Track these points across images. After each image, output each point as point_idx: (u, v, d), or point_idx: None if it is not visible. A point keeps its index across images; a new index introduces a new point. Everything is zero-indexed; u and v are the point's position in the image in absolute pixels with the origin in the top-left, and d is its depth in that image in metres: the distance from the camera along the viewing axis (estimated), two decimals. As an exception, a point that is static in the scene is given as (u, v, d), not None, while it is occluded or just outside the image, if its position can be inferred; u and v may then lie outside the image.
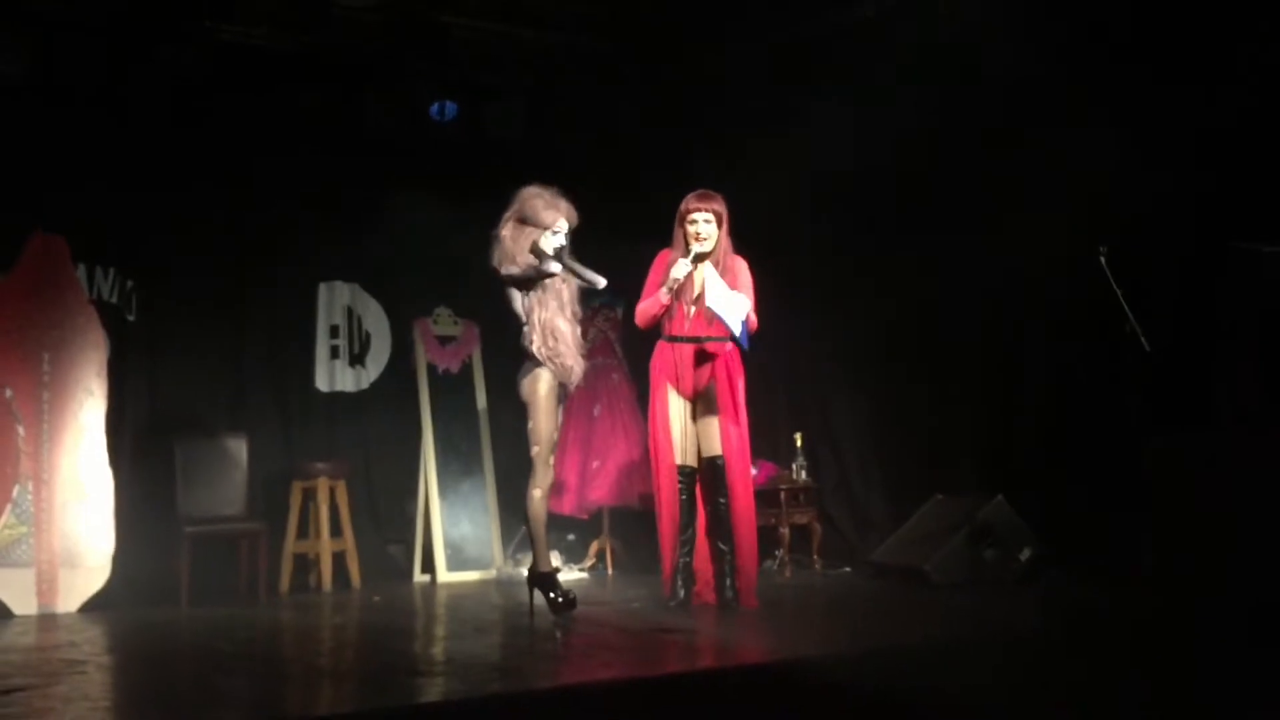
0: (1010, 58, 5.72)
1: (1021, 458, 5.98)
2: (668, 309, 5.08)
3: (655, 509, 5.22)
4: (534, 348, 4.72)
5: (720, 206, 5.03)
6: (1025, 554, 5.61)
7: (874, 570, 6.11)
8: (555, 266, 4.74)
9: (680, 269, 4.93)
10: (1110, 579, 5.14)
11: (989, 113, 6.02)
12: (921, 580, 5.52)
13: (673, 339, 5.11)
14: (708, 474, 5.09)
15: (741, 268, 5.10)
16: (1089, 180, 5.48)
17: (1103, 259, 5.00)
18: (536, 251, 4.74)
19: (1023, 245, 5.81)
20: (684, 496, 5.14)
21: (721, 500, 5.05)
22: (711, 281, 4.92)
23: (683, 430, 5.11)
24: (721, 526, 5.09)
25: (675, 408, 5.13)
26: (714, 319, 4.96)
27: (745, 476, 5.08)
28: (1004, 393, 6.15)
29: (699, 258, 4.95)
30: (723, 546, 5.08)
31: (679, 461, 5.11)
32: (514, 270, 4.76)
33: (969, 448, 6.33)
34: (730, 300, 4.90)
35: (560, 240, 4.78)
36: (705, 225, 4.98)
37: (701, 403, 5.11)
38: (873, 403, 6.83)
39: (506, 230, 4.77)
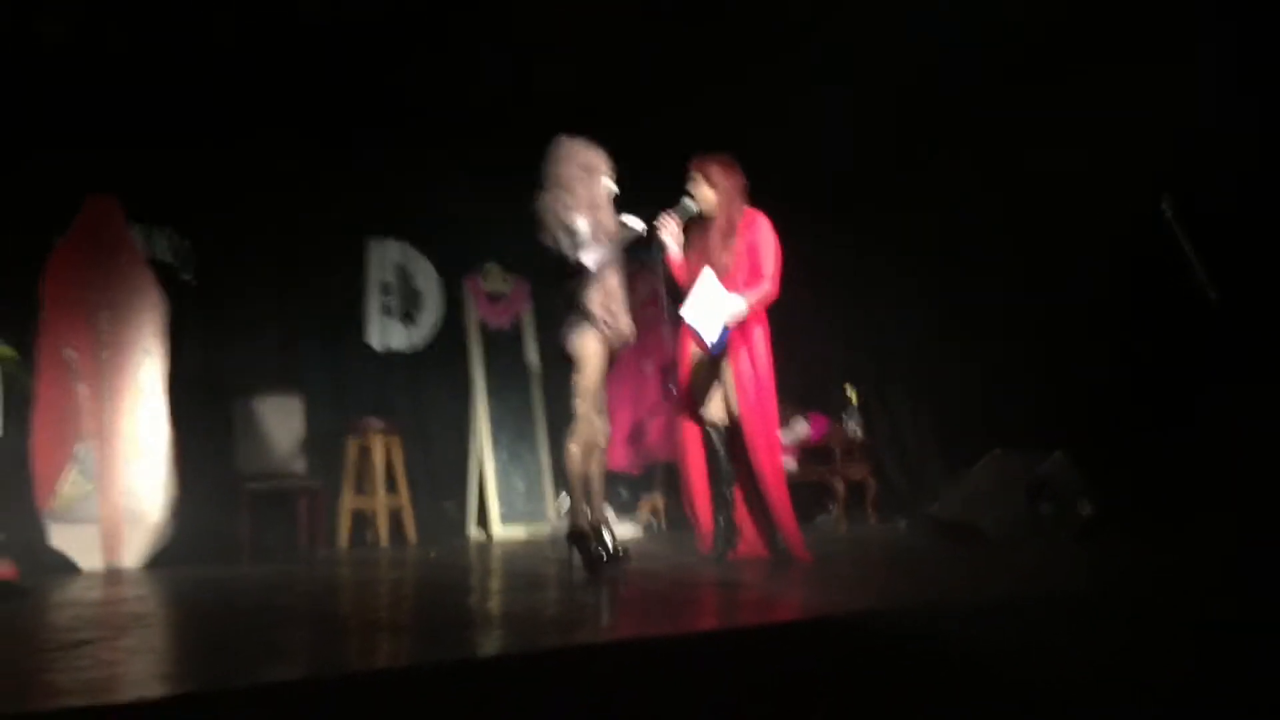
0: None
1: (1082, 412, 5.88)
2: (691, 268, 5.12)
3: (681, 465, 5.25)
4: (595, 308, 4.69)
5: (715, 171, 5.05)
6: (1084, 510, 5.53)
7: (930, 525, 6.05)
8: (641, 226, 4.75)
9: (664, 222, 5.04)
10: (1169, 537, 5.06)
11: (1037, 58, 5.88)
12: (978, 536, 5.46)
13: None
14: (735, 429, 5.09)
15: (757, 224, 5.07)
16: (1150, 130, 5.34)
17: (1167, 212, 4.88)
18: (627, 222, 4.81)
19: (1084, 198, 5.68)
20: (713, 451, 5.15)
21: (746, 455, 5.06)
22: (700, 288, 4.91)
23: (710, 386, 5.13)
24: (752, 482, 5.10)
25: (698, 364, 5.16)
26: (726, 274, 4.98)
27: (765, 432, 5.04)
28: (1064, 345, 6.05)
29: (693, 217, 5.07)
30: (757, 502, 5.11)
31: (706, 417, 5.15)
32: (591, 224, 4.71)
33: (1027, 402, 6.24)
34: (709, 310, 4.88)
35: (613, 187, 4.78)
36: (694, 186, 5.09)
37: (725, 359, 5.10)
38: (928, 356, 6.76)
39: (580, 184, 4.73)
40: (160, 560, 5.96)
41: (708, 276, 4.95)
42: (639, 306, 5.92)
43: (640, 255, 5.32)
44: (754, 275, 5.02)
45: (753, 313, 5.00)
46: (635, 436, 7.20)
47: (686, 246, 5.18)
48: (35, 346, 5.93)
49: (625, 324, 4.77)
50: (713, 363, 5.15)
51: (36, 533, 5.87)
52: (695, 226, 5.17)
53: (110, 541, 5.93)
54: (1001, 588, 4.31)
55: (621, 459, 7.22)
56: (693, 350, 5.20)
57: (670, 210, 5.06)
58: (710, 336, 4.88)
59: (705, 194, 5.07)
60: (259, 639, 3.82)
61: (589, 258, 4.66)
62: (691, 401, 5.21)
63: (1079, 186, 5.67)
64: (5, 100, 6.12)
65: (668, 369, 7.32)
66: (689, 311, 4.92)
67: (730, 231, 5.02)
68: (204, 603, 4.80)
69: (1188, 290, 4.92)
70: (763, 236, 5.05)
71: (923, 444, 6.85)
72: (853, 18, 6.22)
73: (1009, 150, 6.08)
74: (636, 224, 4.78)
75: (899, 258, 6.85)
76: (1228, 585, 3.97)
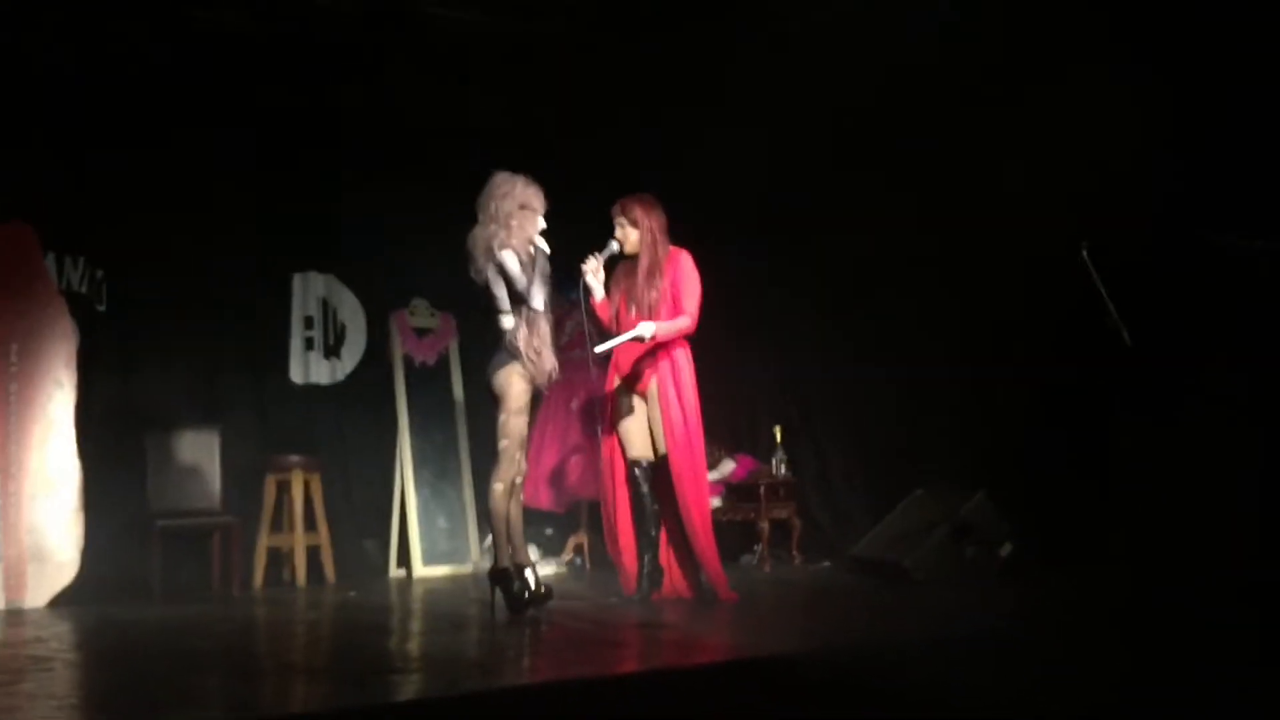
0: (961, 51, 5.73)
1: (1002, 452, 5.96)
2: (616, 307, 5.15)
3: (605, 505, 5.23)
4: (520, 343, 4.67)
5: (638, 210, 5.11)
6: (1006, 550, 5.60)
7: (854, 565, 6.08)
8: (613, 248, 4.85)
9: (589, 263, 5.09)
10: (1088, 572, 5.14)
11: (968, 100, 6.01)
12: (902, 576, 5.50)
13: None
14: (661, 469, 5.09)
15: (680, 262, 5.11)
16: (1067, 174, 5.47)
17: (1085, 254, 4.99)
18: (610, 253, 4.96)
19: (1002, 240, 5.80)
20: (639, 491, 5.14)
21: (672, 495, 5.05)
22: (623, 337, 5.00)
23: (636, 425, 5.13)
24: (677, 521, 5.09)
25: (625, 403, 5.19)
26: (653, 311, 5.03)
27: (691, 470, 5.05)
28: (984, 387, 6.14)
29: (616, 256, 5.13)
30: (682, 542, 5.10)
31: (631, 455, 5.13)
32: (522, 262, 4.69)
33: (949, 443, 6.32)
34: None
35: (542, 224, 4.78)
36: (619, 228, 5.15)
37: (651, 398, 5.11)
38: (852, 397, 6.82)
39: (515, 220, 4.70)
40: (66, 600, 5.75)
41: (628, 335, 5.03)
42: (565, 346, 5.91)
43: (566, 295, 5.31)
44: (676, 311, 5.04)
45: (670, 341, 5.01)
46: (560, 475, 7.14)
47: (611, 285, 5.20)
48: (-61, 378, 5.71)
49: (550, 362, 4.75)
50: (640, 402, 5.15)
51: (-66, 572, 5.63)
52: (620, 265, 5.19)
53: (13, 580, 5.71)
54: (926, 627, 4.34)
55: (546, 497, 7.15)
56: (618, 389, 5.19)
57: (594, 252, 5.07)
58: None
59: (629, 233, 5.10)
60: (168, 684, 3.69)
61: (536, 298, 4.66)
62: (617, 441, 5.20)
63: (1001, 228, 5.78)
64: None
65: (593, 408, 7.30)
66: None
67: (655, 270, 5.06)
68: (110, 645, 4.64)
69: (1103, 331, 5.03)
70: (686, 273, 5.10)
71: (847, 483, 6.89)
72: (772, 48, 6.31)
73: (930, 188, 6.18)
74: (544, 246, 4.77)
75: (822, 297, 6.92)
76: (1143, 622, 4.05)
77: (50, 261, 6.28)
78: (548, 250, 4.79)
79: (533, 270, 4.70)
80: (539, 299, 4.68)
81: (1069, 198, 5.43)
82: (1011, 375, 5.97)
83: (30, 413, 5.88)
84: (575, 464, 7.11)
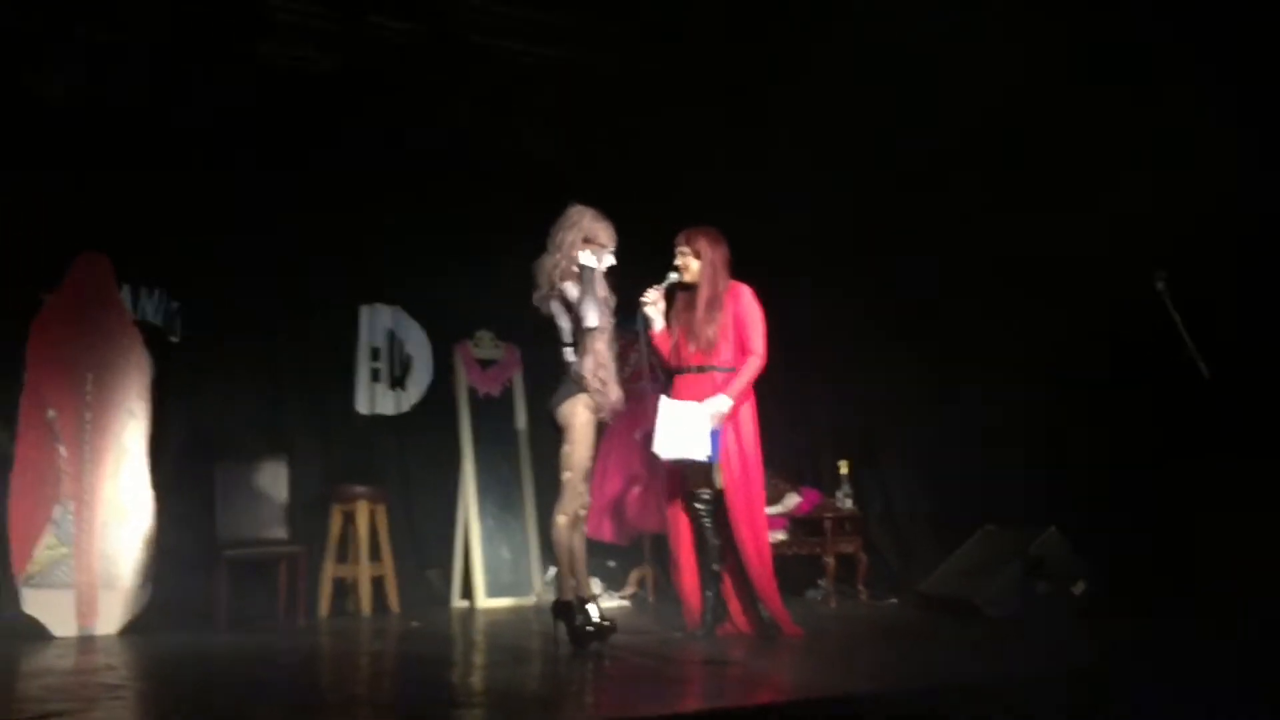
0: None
1: (1075, 488, 5.82)
2: (676, 339, 5.12)
3: (670, 539, 5.18)
4: (588, 375, 4.66)
5: (702, 242, 5.09)
6: (1079, 587, 5.46)
7: (922, 602, 5.97)
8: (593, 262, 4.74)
9: (648, 295, 5.08)
10: (1167, 612, 4.99)
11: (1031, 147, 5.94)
12: (972, 613, 5.38)
13: (678, 370, 5.15)
14: (722, 502, 5.02)
15: (741, 297, 5.08)
16: (1140, 206, 5.37)
17: (1160, 285, 4.88)
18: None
19: (1076, 275, 5.69)
20: (700, 525, 5.09)
21: (729, 530, 5.01)
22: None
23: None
24: (737, 555, 5.04)
25: None
26: (712, 348, 4.99)
27: (747, 503, 4.99)
28: (1056, 421, 6.00)
29: (674, 286, 5.11)
30: (744, 576, 5.05)
31: (691, 489, 5.09)
32: (576, 289, 4.68)
33: (1020, 477, 6.18)
34: (683, 432, 4.88)
35: (612, 260, 4.78)
36: (681, 258, 5.13)
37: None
38: (919, 430, 6.72)
39: (575, 251, 4.72)
40: (135, 627, 5.83)
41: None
42: (630, 378, 5.89)
43: (629, 327, 5.30)
44: (741, 349, 5.00)
45: (730, 375, 4.97)
46: (623, 507, 7.11)
47: (672, 318, 5.17)
48: (17, 406, 5.84)
49: (616, 393, 4.74)
50: None
51: (9, 597, 5.73)
52: (680, 297, 5.17)
53: (85, 607, 5.80)
54: (999, 666, 4.23)
55: (609, 530, 7.12)
56: None
57: (654, 286, 5.05)
58: (700, 455, 4.87)
59: (690, 263, 5.08)
60: (235, 714, 3.71)
61: (590, 316, 4.62)
62: (678, 476, 5.16)
63: (1074, 257, 5.68)
64: (2, 156, 6.10)
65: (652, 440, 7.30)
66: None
67: (715, 303, 5.03)
68: (179, 674, 4.68)
69: (1180, 365, 4.90)
70: (747, 308, 5.06)
71: (913, 518, 6.77)
72: (837, 72, 6.29)
73: (1002, 219, 6.09)
74: (588, 261, 4.71)
75: (888, 328, 6.84)
76: (1225, 664, 3.90)
77: (125, 293, 6.41)
78: (594, 266, 4.72)
79: (585, 290, 4.67)
80: (593, 317, 4.64)
81: (1147, 228, 5.32)
82: (1084, 407, 5.84)
83: (104, 442, 5.99)
84: (638, 496, 7.07)
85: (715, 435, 4.90)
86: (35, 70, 6.02)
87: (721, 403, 4.91)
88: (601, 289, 4.75)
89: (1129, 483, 5.53)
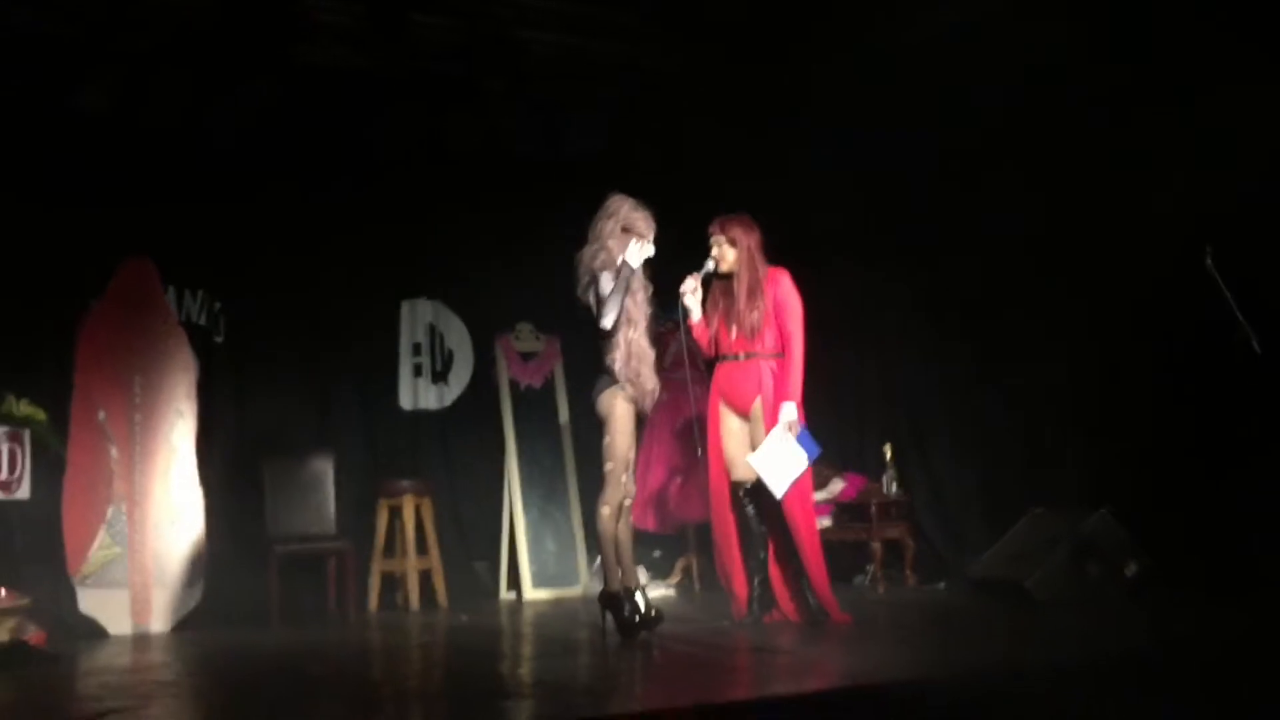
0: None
1: (1125, 468, 5.74)
2: (715, 328, 5.09)
3: (715, 528, 5.17)
4: (617, 367, 4.66)
5: (737, 230, 5.07)
6: (1131, 569, 5.38)
7: (971, 586, 5.92)
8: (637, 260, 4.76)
9: (687, 284, 5.04)
10: (1221, 594, 4.92)
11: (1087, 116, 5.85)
12: (1022, 597, 5.33)
13: (720, 357, 5.14)
14: (766, 490, 5.00)
15: (780, 282, 5.04)
16: (1186, 179, 5.28)
17: (1209, 261, 4.79)
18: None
19: (1122, 255, 5.62)
20: (745, 513, 5.08)
21: (779, 517, 4.99)
22: (774, 437, 4.87)
23: (739, 447, 5.07)
24: (786, 543, 5.02)
25: (729, 425, 5.12)
26: (756, 333, 4.97)
27: (798, 490, 4.96)
28: (1105, 399, 5.92)
29: (711, 276, 5.09)
30: (791, 563, 5.04)
31: (736, 477, 5.07)
32: (610, 282, 4.68)
33: (1068, 458, 6.11)
34: (780, 463, 4.86)
35: (651, 251, 4.76)
36: (716, 247, 5.10)
37: (754, 419, 5.03)
38: (965, 411, 6.66)
39: (612, 240, 4.72)
40: (188, 624, 5.91)
41: (754, 462, 4.90)
42: (669, 367, 5.88)
43: (668, 315, 5.29)
44: (782, 334, 4.98)
45: (770, 360, 4.98)
46: (667, 497, 7.10)
47: (709, 306, 5.15)
48: (68, 409, 5.93)
49: (651, 382, 4.74)
50: (742, 423, 5.09)
51: (66, 597, 5.83)
52: (717, 286, 5.14)
53: (139, 605, 5.89)
54: (1050, 652, 4.19)
55: (653, 519, 7.11)
56: (721, 411, 5.14)
57: (691, 275, 5.03)
58: (778, 491, 4.87)
59: (726, 252, 5.06)
60: (289, 709, 3.75)
61: (607, 316, 4.63)
62: (723, 463, 5.14)
63: (1121, 232, 5.60)
64: (45, 164, 6.19)
65: (697, 429, 7.31)
66: (779, 486, 4.88)
67: (755, 290, 5.01)
68: (233, 670, 4.75)
69: (1232, 341, 4.81)
70: (787, 294, 5.03)
71: (961, 502, 6.71)
72: (881, 63, 6.24)
73: (1049, 194, 6.02)
74: (634, 258, 4.74)
75: (932, 308, 6.78)
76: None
77: (170, 295, 6.49)
78: (634, 266, 4.75)
79: (616, 286, 4.67)
80: (608, 319, 4.65)
81: (1197, 206, 5.23)
82: (1134, 386, 5.75)
83: (154, 442, 6.06)
84: (682, 486, 7.06)
85: (804, 435, 4.88)
86: (79, 81, 6.10)
87: (790, 411, 4.90)
88: (638, 281, 4.75)
89: (1181, 463, 5.45)
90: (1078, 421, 6.07)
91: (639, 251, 4.75)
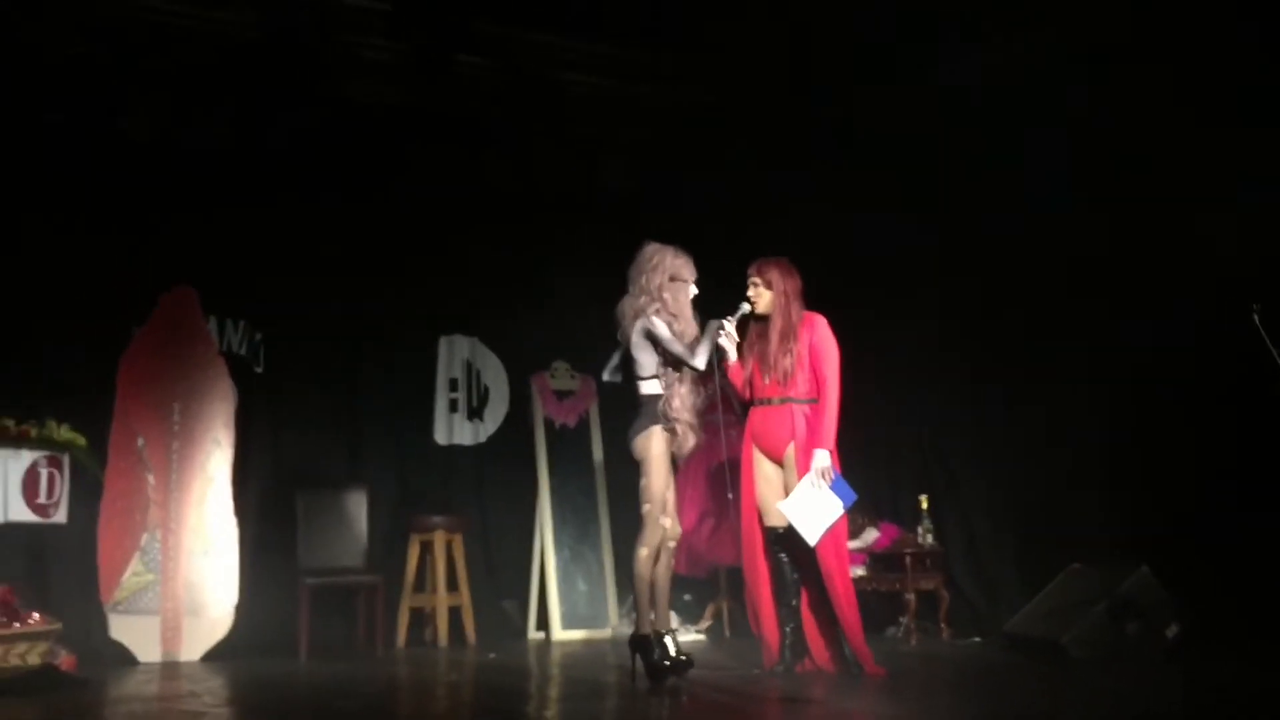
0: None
1: (1164, 525, 5.63)
2: (750, 372, 5.07)
3: (746, 575, 5.12)
4: (673, 409, 4.65)
5: (774, 273, 5.04)
6: (1172, 630, 5.27)
7: (1006, 641, 5.81)
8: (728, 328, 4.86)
9: (722, 324, 4.96)
10: (1265, 657, 4.80)
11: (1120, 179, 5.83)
12: (1058, 654, 5.22)
13: (754, 402, 5.10)
14: (800, 537, 4.95)
15: (816, 327, 5.01)
16: (1228, 237, 5.22)
17: (1256, 317, 4.72)
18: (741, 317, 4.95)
19: (1163, 305, 5.55)
20: (778, 560, 5.02)
21: (813, 564, 4.93)
22: (806, 484, 4.84)
23: (773, 493, 5.02)
24: (818, 591, 4.96)
25: (763, 470, 5.08)
26: (789, 377, 4.94)
27: (834, 538, 4.90)
28: (1145, 453, 5.83)
29: (747, 317, 5.06)
30: (824, 612, 4.97)
31: (769, 523, 5.02)
32: (673, 332, 4.70)
33: (1107, 513, 6.01)
34: (812, 511, 4.81)
35: (694, 290, 4.81)
36: (753, 289, 5.07)
37: (787, 465, 4.99)
38: (1002, 463, 6.57)
39: (667, 292, 4.74)
40: (218, 653, 5.90)
41: (786, 510, 4.86)
42: (705, 409, 5.84)
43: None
44: (817, 380, 4.94)
45: (804, 405, 4.94)
46: (699, 540, 7.05)
47: (745, 348, 5.12)
48: (108, 435, 5.98)
49: (694, 427, 4.72)
50: (775, 469, 5.05)
51: (97, 622, 5.85)
52: (753, 328, 5.12)
53: (170, 634, 5.90)
54: (1087, 711, 4.10)
55: (683, 563, 7.05)
56: (756, 456, 5.10)
57: (727, 315, 5.01)
58: (811, 538, 4.82)
59: (762, 294, 5.04)
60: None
61: (700, 358, 4.65)
62: (755, 509, 5.10)
63: (1167, 289, 5.54)
64: (91, 192, 6.30)
65: (730, 473, 7.27)
66: (791, 507, 4.85)
67: (789, 334, 4.97)
68: (260, 702, 4.73)
69: (1274, 395, 4.73)
70: (823, 339, 4.99)
71: (997, 555, 6.61)
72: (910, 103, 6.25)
73: (1094, 248, 5.97)
74: (724, 329, 4.81)
75: (970, 359, 6.72)
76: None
77: (212, 324, 6.55)
78: (725, 327, 4.85)
79: (698, 336, 4.72)
80: (701, 358, 4.68)
81: (1243, 258, 5.16)
82: (1175, 440, 5.66)
83: (190, 470, 6.10)
84: (712, 529, 7.01)
85: (838, 482, 4.84)
86: (124, 110, 6.21)
87: (823, 458, 4.85)
88: (691, 327, 4.75)
89: (1222, 519, 5.34)
90: (1115, 474, 5.97)
91: (684, 293, 4.77)
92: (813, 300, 5.12)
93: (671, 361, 4.69)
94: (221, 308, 6.66)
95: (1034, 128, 6.00)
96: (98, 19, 5.89)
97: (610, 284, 4.92)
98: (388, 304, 7.17)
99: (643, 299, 4.73)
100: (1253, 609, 5.09)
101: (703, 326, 4.82)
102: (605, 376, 4.95)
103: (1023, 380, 6.39)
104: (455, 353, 7.47)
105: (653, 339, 4.68)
